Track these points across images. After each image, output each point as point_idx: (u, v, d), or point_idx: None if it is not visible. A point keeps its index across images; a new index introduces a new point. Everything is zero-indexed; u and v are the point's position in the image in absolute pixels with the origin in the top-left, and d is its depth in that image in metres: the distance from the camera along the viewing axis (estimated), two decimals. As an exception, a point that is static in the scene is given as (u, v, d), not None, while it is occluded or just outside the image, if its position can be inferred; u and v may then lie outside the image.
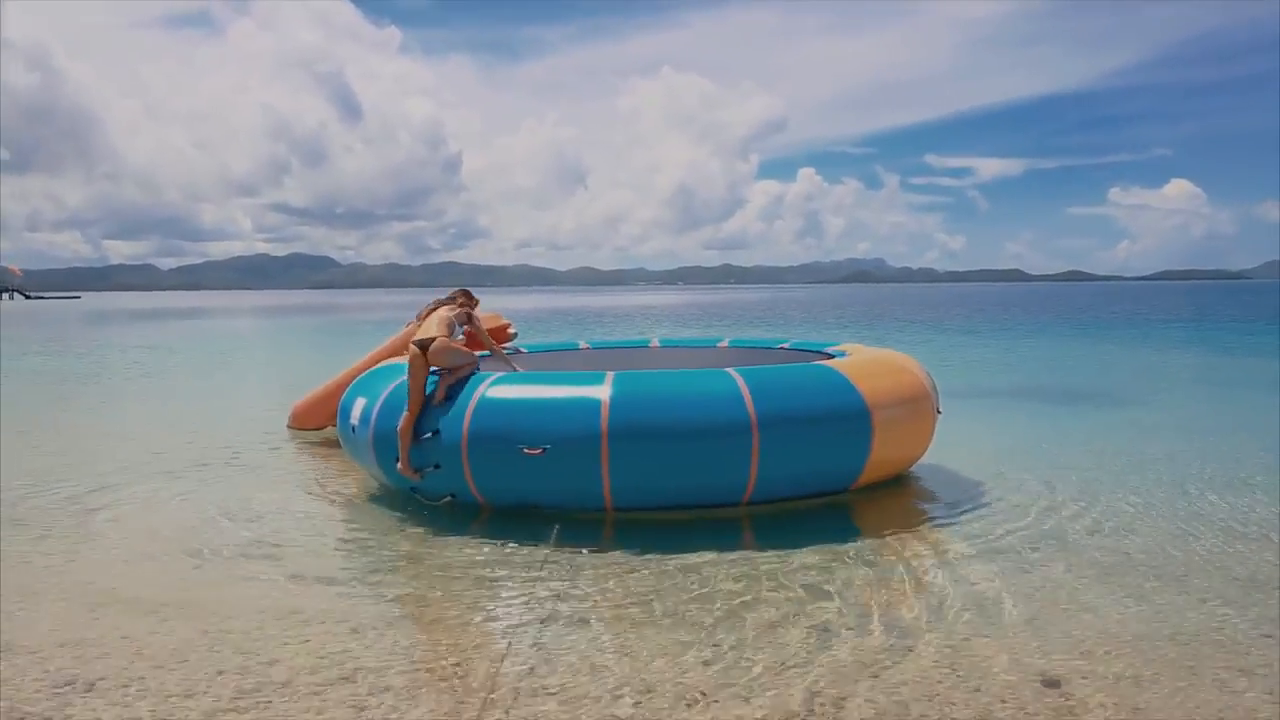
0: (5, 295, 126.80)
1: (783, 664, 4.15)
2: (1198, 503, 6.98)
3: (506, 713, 3.67)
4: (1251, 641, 4.37)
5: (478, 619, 4.79)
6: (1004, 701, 3.79)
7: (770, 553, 5.74)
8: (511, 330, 9.36)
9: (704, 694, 3.85)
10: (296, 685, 3.95)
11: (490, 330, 9.32)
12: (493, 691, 3.82)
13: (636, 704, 3.77)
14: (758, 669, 4.09)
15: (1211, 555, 5.71)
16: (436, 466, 6.55)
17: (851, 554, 5.74)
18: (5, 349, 28.44)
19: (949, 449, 8.62)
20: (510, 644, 4.36)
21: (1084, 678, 3.98)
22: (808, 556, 5.67)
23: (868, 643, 4.38)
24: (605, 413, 6.18)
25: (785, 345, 9.49)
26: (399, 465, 6.73)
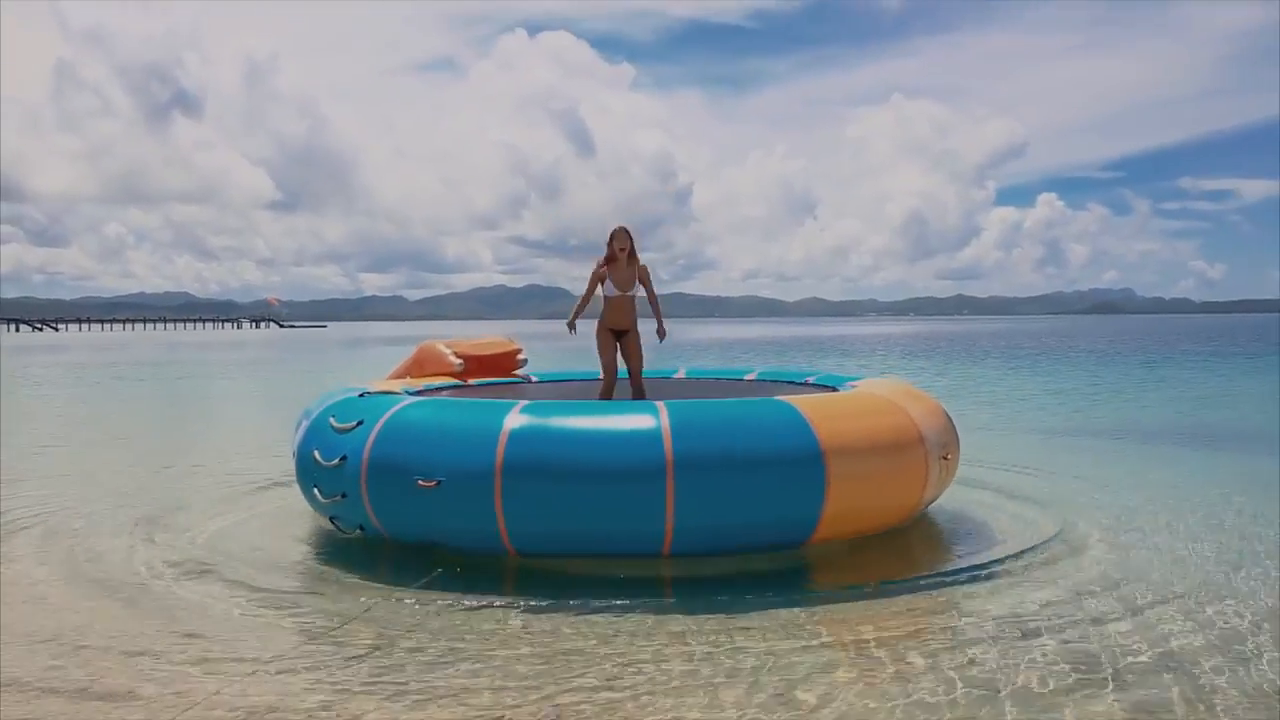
0: (261, 324, 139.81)
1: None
2: None
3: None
4: None
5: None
6: None
7: (677, 614, 4.86)
8: (521, 356, 8.83)
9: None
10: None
11: (497, 355, 8.77)
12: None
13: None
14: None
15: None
16: (343, 495, 6.07)
17: (774, 625, 4.69)
18: (189, 370, 30.82)
19: (996, 494, 7.69)
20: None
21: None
22: (719, 624, 4.70)
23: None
24: (502, 445, 5.52)
25: (810, 380, 8.46)
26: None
